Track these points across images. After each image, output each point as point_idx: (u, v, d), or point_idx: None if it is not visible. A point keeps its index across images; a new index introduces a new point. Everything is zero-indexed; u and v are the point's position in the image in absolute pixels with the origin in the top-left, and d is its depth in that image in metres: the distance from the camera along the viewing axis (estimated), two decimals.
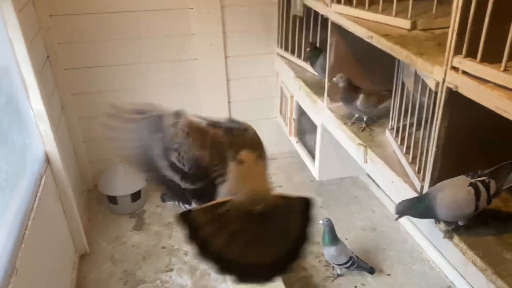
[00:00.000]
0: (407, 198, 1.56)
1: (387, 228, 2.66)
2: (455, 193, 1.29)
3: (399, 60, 1.70)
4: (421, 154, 1.50)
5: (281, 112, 3.07)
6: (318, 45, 2.41)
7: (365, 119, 1.97)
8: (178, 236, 2.58)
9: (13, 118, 1.77)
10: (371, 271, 2.28)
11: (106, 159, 2.94)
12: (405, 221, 2.63)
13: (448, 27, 1.39)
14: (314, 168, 2.51)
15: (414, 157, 1.58)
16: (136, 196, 2.75)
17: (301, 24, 2.57)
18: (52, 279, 1.91)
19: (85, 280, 2.30)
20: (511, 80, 1.03)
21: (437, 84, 1.28)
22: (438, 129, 1.32)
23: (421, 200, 1.36)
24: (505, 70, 1.05)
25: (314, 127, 2.58)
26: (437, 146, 1.35)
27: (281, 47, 2.83)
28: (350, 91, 1.89)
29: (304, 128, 2.78)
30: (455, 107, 1.27)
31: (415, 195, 1.51)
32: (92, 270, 2.36)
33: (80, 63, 2.62)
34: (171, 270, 2.36)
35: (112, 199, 2.70)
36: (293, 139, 2.83)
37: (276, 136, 3.23)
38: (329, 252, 2.20)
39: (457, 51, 1.19)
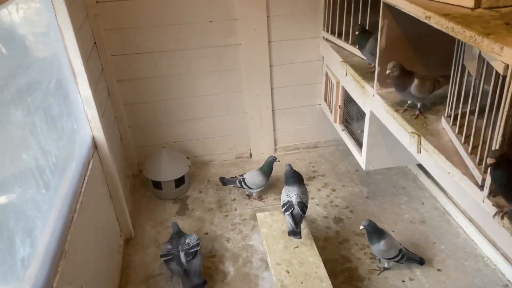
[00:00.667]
0: (465, 192, 1.46)
1: (437, 221, 2.53)
2: None
3: (459, 42, 1.57)
4: (483, 144, 1.38)
5: (325, 99, 2.98)
6: (367, 28, 2.29)
7: (418, 106, 1.85)
8: (220, 223, 2.58)
9: (62, 104, 1.80)
10: (421, 262, 2.19)
11: (151, 145, 2.98)
12: (457, 213, 2.49)
13: None
14: (360, 158, 2.42)
15: (474, 147, 1.47)
16: (180, 181, 2.77)
17: (349, 6, 2.45)
18: (99, 262, 1.96)
19: (131, 263, 2.34)
20: None
21: (506, 67, 1.16)
22: (506, 117, 1.20)
23: None
24: None
25: (361, 114, 2.48)
26: (503, 135, 1.23)
27: (327, 31, 2.73)
28: (403, 77, 1.78)
29: (351, 115, 2.68)
30: None
31: (474, 188, 1.40)
32: (137, 254, 2.40)
33: (126, 49, 2.64)
34: (214, 256, 2.36)
35: (157, 184, 2.74)
36: (339, 127, 2.74)
37: (320, 123, 3.16)
38: (378, 247, 2.11)
39: None
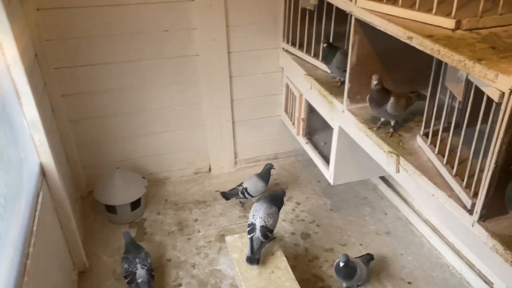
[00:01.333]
0: (451, 214, 1.45)
1: (401, 231, 2.56)
2: None
3: (438, 62, 1.56)
4: (471, 168, 1.38)
5: (286, 110, 2.91)
6: (331, 39, 2.25)
7: (392, 124, 1.83)
8: (183, 247, 2.42)
9: (8, 132, 1.55)
10: (371, 257, 2.26)
11: (101, 163, 2.74)
12: (420, 223, 2.53)
13: (495, 27, 1.26)
14: (328, 172, 2.38)
15: (459, 170, 1.46)
16: (135, 204, 2.56)
17: (310, 17, 2.40)
18: None
19: None
20: None
21: (502, 95, 1.15)
22: (500, 144, 1.19)
23: None
24: None
25: (325, 127, 2.45)
26: (496, 162, 1.22)
27: (287, 42, 2.66)
28: (382, 94, 1.75)
29: (313, 126, 2.64)
30: None
31: (463, 212, 1.39)
32: None
33: (72, 61, 2.39)
34: (180, 285, 2.20)
35: (111, 208, 2.51)
36: (302, 140, 2.68)
37: (280, 134, 3.10)
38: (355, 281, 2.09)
39: None
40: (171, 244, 2.44)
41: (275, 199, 2.15)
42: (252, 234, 2.04)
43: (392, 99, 1.74)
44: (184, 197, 2.82)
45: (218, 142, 2.93)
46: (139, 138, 2.76)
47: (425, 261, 2.35)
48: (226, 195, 2.64)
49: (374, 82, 1.71)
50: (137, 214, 2.61)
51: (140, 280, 2.02)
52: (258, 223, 2.05)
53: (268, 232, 2.04)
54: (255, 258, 2.01)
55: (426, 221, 2.52)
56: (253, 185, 2.59)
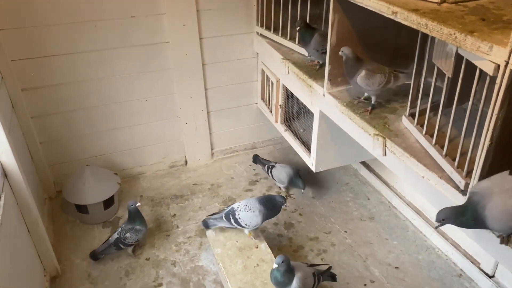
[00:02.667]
0: (444, 196, 1.39)
1: (385, 215, 2.52)
2: (507, 201, 1.11)
3: (422, 39, 1.49)
4: (463, 146, 1.32)
5: (262, 98, 2.82)
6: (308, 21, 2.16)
7: (372, 101, 1.77)
8: (162, 244, 2.30)
9: None
10: (333, 276, 1.95)
11: (69, 161, 2.58)
12: (403, 206, 2.50)
13: None
14: (309, 159, 2.30)
15: (449, 150, 1.40)
16: (109, 202, 2.42)
17: None
18: None
19: None
20: None
21: (497, 68, 1.09)
22: (495, 120, 1.13)
23: (465, 211, 1.17)
24: None
25: (304, 112, 2.37)
26: (490, 139, 1.16)
27: (261, 26, 2.56)
28: (352, 65, 1.72)
29: (291, 113, 2.55)
30: None
31: (455, 192, 1.33)
32: None
33: (30, 52, 2.21)
34: (160, 285, 2.09)
35: (82, 208, 2.36)
36: (281, 127, 2.59)
37: (257, 123, 3.00)
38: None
39: None
40: (149, 242, 2.32)
41: (266, 202, 2.01)
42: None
43: (363, 72, 1.69)
44: (160, 192, 2.69)
45: (193, 133, 2.81)
46: (109, 133, 2.60)
47: (410, 245, 2.32)
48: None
49: (340, 53, 1.72)
50: (111, 213, 2.47)
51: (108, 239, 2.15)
52: (236, 206, 2.02)
53: (231, 216, 2.01)
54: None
55: (409, 204, 2.49)
56: (279, 172, 2.59)
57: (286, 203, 2.00)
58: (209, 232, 2.10)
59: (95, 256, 2.16)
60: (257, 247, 2.02)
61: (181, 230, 2.40)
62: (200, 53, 2.56)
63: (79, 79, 2.37)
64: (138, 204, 2.13)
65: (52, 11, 2.15)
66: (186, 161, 2.91)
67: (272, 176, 2.62)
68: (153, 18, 2.37)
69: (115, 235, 2.14)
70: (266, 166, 2.66)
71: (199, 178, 2.81)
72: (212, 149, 2.95)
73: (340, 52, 1.75)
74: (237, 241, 2.04)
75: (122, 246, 2.13)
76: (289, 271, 1.71)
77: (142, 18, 2.34)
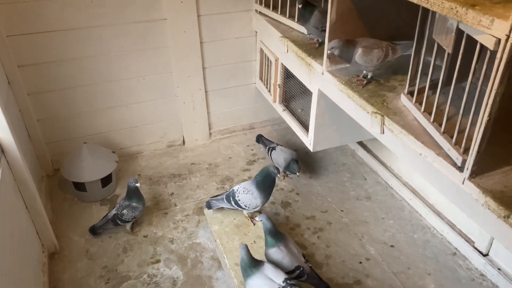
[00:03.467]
0: (441, 173, 1.40)
1: (382, 195, 2.54)
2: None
3: (423, 14, 1.48)
4: (461, 124, 1.32)
5: (261, 77, 2.80)
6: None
7: (369, 76, 1.76)
8: (160, 222, 2.32)
9: None
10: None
11: (67, 139, 2.58)
12: (400, 186, 2.52)
13: None
14: (307, 139, 2.30)
15: (447, 127, 1.40)
16: (106, 180, 2.42)
17: None
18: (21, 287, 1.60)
19: (60, 282, 2.00)
20: None
21: (498, 42, 1.08)
22: (494, 95, 1.13)
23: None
24: None
25: (302, 93, 2.36)
26: (489, 115, 1.16)
27: (261, 3, 2.53)
28: (347, 49, 1.72)
29: (289, 93, 2.54)
30: None
31: (452, 169, 1.34)
32: (65, 270, 2.05)
33: (26, 27, 2.18)
34: (158, 261, 2.11)
35: (80, 186, 2.36)
36: (279, 107, 2.58)
37: (255, 103, 2.99)
38: (270, 256, 1.79)
39: None
40: (147, 220, 2.33)
41: (265, 185, 2.00)
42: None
43: (360, 51, 1.69)
44: (158, 171, 2.69)
45: (191, 113, 2.80)
46: (106, 111, 2.59)
47: (406, 224, 2.34)
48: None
49: (329, 52, 1.76)
50: (109, 191, 2.47)
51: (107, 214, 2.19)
52: (236, 188, 2.02)
53: (231, 197, 2.02)
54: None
55: (405, 184, 2.50)
56: (277, 155, 2.55)
57: (279, 175, 2.00)
58: (207, 210, 2.11)
59: (94, 231, 2.18)
60: (254, 225, 2.03)
61: (179, 208, 2.41)
62: (198, 31, 2.53)
63: (75, 56, 2.35)
64: (138, 184, 2.13)
65: None
66: (184, 141, 2.90)
67: (271, 158, 2.62)
68: None
69: (113, 211, 2.16)
70: (267, 147, 2.64)
71: (197, 158, 2.81)
72: (210, 129, 2.94)
73: (328, 51, 1.78)
74: (234, 219, 2.06)
75: (119, 222, 2.15)
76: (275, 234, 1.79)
77: None
